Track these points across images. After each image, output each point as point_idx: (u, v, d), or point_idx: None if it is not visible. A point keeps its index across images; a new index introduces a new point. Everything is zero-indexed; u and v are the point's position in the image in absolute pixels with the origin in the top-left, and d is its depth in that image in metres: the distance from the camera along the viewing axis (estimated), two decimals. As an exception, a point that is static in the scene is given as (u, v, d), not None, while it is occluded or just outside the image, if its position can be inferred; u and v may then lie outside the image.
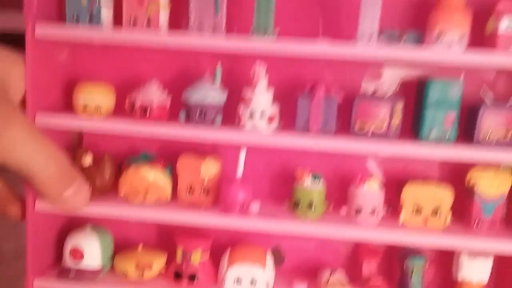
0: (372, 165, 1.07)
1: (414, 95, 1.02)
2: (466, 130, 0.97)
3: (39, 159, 0.67)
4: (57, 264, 1.06)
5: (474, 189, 0.95)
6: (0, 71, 0.76)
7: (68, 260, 1.02)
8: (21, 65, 0.84)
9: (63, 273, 1.01)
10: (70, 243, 1.02)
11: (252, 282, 1.00)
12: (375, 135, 0.95)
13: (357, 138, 0.94)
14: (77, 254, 1.01)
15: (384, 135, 0.95)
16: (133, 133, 0.97)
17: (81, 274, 1.00)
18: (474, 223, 0.96)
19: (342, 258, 1.13)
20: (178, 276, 1.02)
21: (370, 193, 0.97)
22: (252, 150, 1.00)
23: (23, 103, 0.90)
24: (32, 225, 0.98)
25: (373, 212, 0.96)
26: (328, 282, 1.00)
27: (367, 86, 0.97)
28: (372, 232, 0.95)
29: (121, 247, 1.09)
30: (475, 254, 0.98)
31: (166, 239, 1.13)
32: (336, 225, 0.96)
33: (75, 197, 0.73)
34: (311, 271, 1.11)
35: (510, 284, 1.03)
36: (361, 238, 0.96)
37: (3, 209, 0.86)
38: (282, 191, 1.08)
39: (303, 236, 0.97)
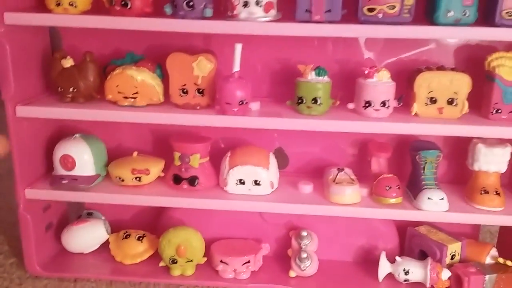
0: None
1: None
2: (487, 9, 0.88)
3: None
4: (49, 175, 1.02)
5: (495, 73, 0.88)
6: None
7: (59, 169, 0.98)
8: None
9: (56, 180, 0.98)
10: (60, 151, 0.98)
11: (256, 182, 0.96)
12: (386, 19, 0.85)
13: (366, 24, 0.85)
14: (68, 161, 0.97)
15: (396, 19, 0.85)
16: (113, 27, 0.88)
17: (75, 181, 0.97)
18: (493, 110, 0.90)
19: (349, 157, 1.09)
20: (177, 179, 0.99)
21: (380, 84, 0.91)
22: (249, 46, 0.92)
23: None
24: (15, 132, 0.93)
25: (383, 104, 0.90)
26: (335, 179, 0.96)
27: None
28: (384, 124, 0.90)
29: (115, 156, 1.04)
30: (492, 143, 0.94)
31: (162, 145, 1.08)
32: (344, 119, 0.90)
33: None
34: (317, 173, 1.08)
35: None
36: (372, 131, 0.91)
37: None
38: (283, 91, 1.01)
39: (309, 132, 0.92)
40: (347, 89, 0.97)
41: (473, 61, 0.97)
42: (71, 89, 0.94)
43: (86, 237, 1.06)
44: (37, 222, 1.01)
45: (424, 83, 0.91)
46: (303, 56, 1.01)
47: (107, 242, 1.07)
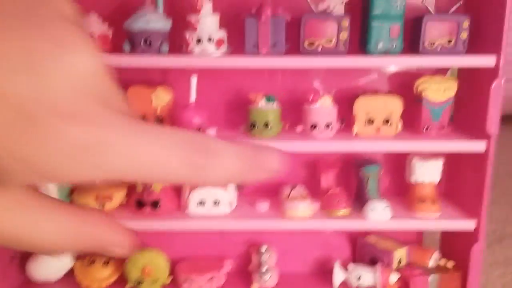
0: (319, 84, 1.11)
1: (360, 10, 1.04)
2: (412, 40, 1.01)
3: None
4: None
5: (422, 95, 1.01)
6: None
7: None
8: None
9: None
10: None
11: (215, 203, 1.04)
12: (325, 51, 0.97)
13: (307, 56, 0.97)
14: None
15: (333, 51, 0.97)
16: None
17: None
18: (424, 128, 1.02)
19: (301, 175, 1.19)
20: (140, 204, 1.06)
21: (324, 109, 1.02)
22: (204, 78, 1.02)
23: None
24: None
25: (327, 126, 1.01)
26: (289, 196, 1.06)
27: (314, 4, 0.98)
28: (328, 143, 1.01)
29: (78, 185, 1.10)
30: (425, 157, 1.07)
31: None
32: (293, 140, 1.00)
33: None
34: (273, 191, 1.16)
35: (458, 180, 1.13)
36: (318, 151, 1.02)
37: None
38: (237, 118, 1.11)
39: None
40: (295, 115, 1.07)
41: (405, 86, 1.10)
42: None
43: (51, 265, 1.10)
44: (0, 254, 1.05)
45: (362, 106, 1.03)
46: (254, 86, 1.11)
47: (73, 269, 1.12)
